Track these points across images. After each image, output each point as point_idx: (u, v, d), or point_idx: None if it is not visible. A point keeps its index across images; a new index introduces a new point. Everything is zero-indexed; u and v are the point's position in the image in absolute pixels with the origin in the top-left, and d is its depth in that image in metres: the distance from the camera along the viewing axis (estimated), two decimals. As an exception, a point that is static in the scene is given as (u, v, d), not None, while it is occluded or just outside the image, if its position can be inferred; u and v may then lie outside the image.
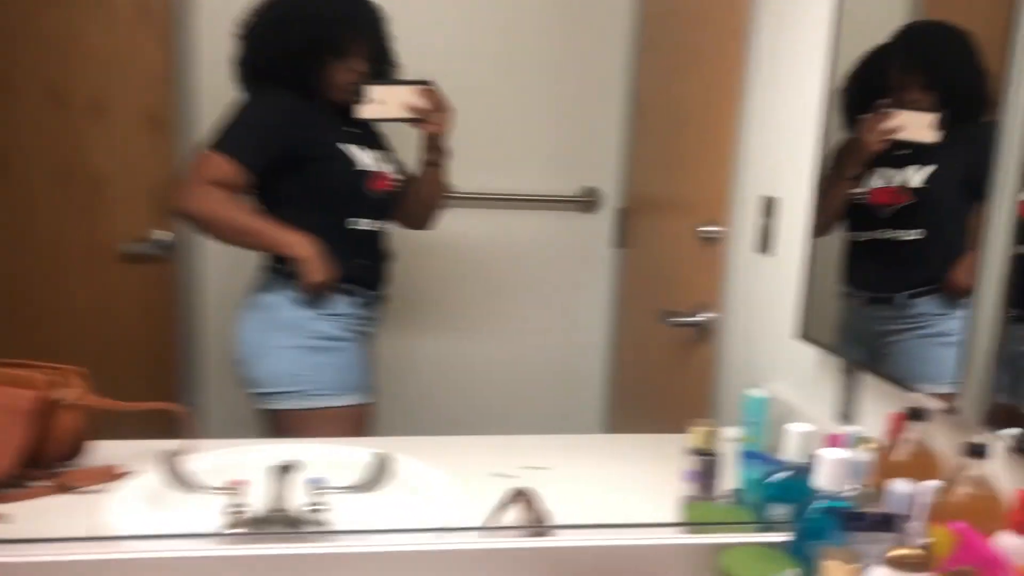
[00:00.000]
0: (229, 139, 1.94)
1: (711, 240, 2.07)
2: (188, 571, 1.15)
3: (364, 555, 1.17)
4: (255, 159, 1.94)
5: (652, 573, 1.21)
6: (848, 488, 1.14)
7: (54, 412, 1.46)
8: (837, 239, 1.57)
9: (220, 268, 2.51)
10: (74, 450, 1.50)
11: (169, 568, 1.15)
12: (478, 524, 1.34)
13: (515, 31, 2.62)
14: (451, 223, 2.65)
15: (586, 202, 2.73)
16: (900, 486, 1.14)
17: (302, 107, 1.97)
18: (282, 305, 1.98)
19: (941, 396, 1.27)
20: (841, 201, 1.49)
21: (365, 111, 1.90)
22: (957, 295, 1.23)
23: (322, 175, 1.97)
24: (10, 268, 2.47)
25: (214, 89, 2.43)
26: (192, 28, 2.44)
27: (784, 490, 1.23)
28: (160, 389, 2.59)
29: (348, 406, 2.02)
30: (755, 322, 1.92)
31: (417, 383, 2.74)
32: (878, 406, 1.49)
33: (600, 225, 2.75)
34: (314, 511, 1.28)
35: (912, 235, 1.31)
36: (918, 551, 1.06)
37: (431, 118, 1.95)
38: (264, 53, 1.99)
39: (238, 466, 1.48)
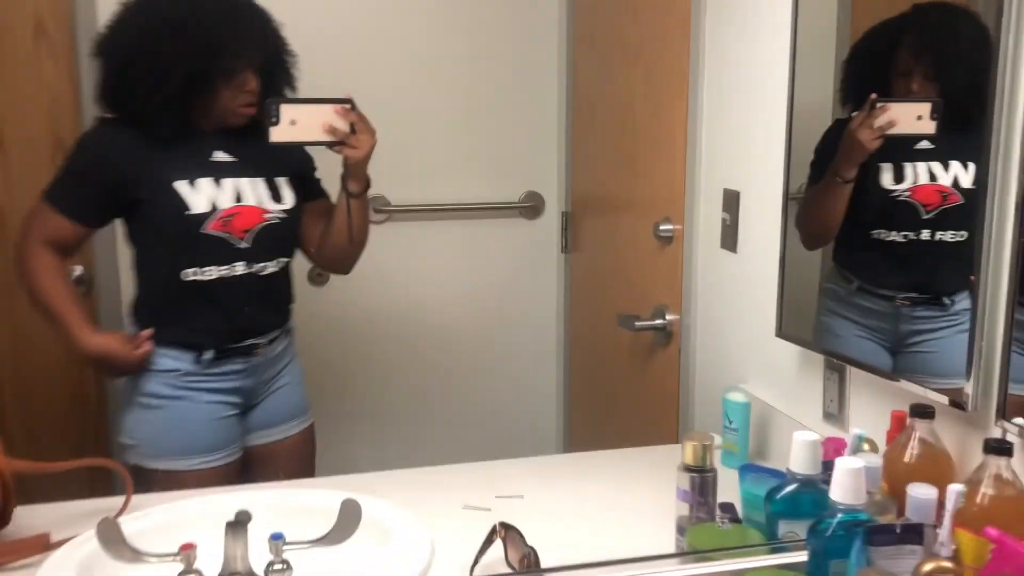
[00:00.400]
0: (57, 189, 1.76)
1: (668, 239, 1.99)
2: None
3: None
4: (84, 211, 1.76)
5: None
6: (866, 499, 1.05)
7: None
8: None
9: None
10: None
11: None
12: (462, 569, 1.22)
13: (443, 37, 2.51)
14: (388, 237, 2.53)
15: (529, 208, 2.63)
16: (921, 491, 1.06)
17: (134, 143, 1.71)
18: None
19: (950, 390, 1.20)
20: (842, 207, 1.40)
21: (275, 134, 1.64)
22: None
23: (151, 220, 1.74)
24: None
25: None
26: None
27: (793, 505, 1.14)
28: (84, 436, 2.39)
29: (184, 471, 1.77)
30: (722, 322, 1.83)
31: (360, 405, 2.60)
32: (870, 405, 1.41)
33: (546, 231, 2.65)
34: (279, 571, 1.14)
35: (959, 236, 1.22)
36: (949, 563, 0.98)
37: (350, 141, 1.70)
38: (115, 80, 1.72)
39: (186, 523, 1.34)
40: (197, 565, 1.12)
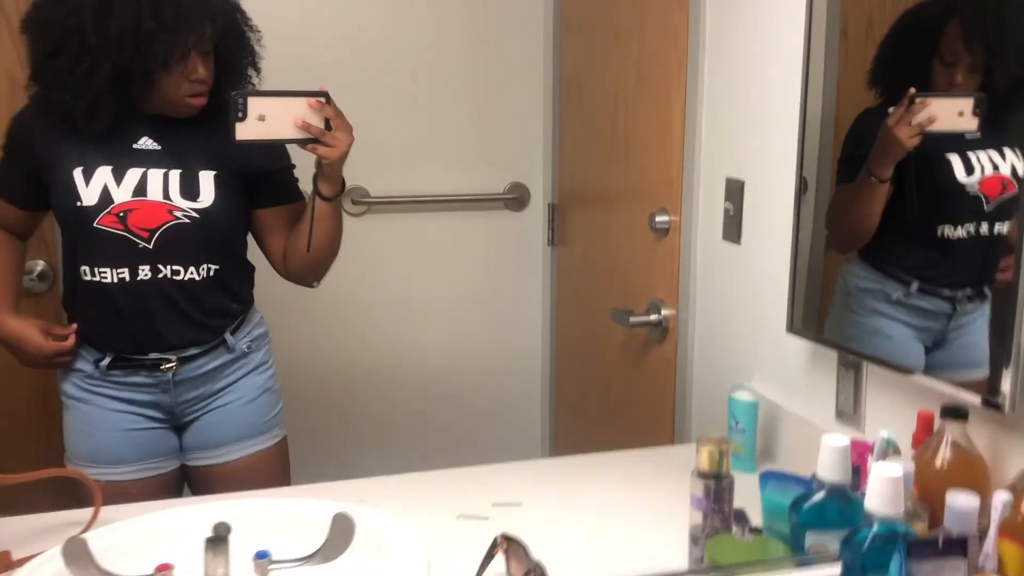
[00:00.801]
0: None
1: (664, 231, 1.91)
2: None
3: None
4: (16, 194, 1.68)
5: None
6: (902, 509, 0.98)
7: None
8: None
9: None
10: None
11: None
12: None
13: (424, 22, 2.40)
14: (370, 229, 2.43)
15: (513, 199, 2.54)
16: (962, 500, 0.99)
17: (57, 125, 1.58)
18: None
19: (980, 384, 1.13)
20: (879, 207, 1.30)
21: (241, 131, 1.48)
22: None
23: (55, 209, 1.64)
24: None
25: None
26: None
27: (821, 515, 1.06)
28: (50, 444, 2.26)
29: (99, 480, 1.61)
30: (724, 317, 1.76)
31: (336, 405, 2.50)
32: (889, 404, 1.34)
33: (531, 223, 2.56)
34: (264, 594, 1.04)
35: (1008, 226, 1.14)
36: (997, 577, 0.91)
37: (325, 138, 1.53)
38: (41, 63, 1.57)
39: (158, 538, 1.23)
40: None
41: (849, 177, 1.37)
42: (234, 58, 1.64)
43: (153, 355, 1.65)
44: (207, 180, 1.62)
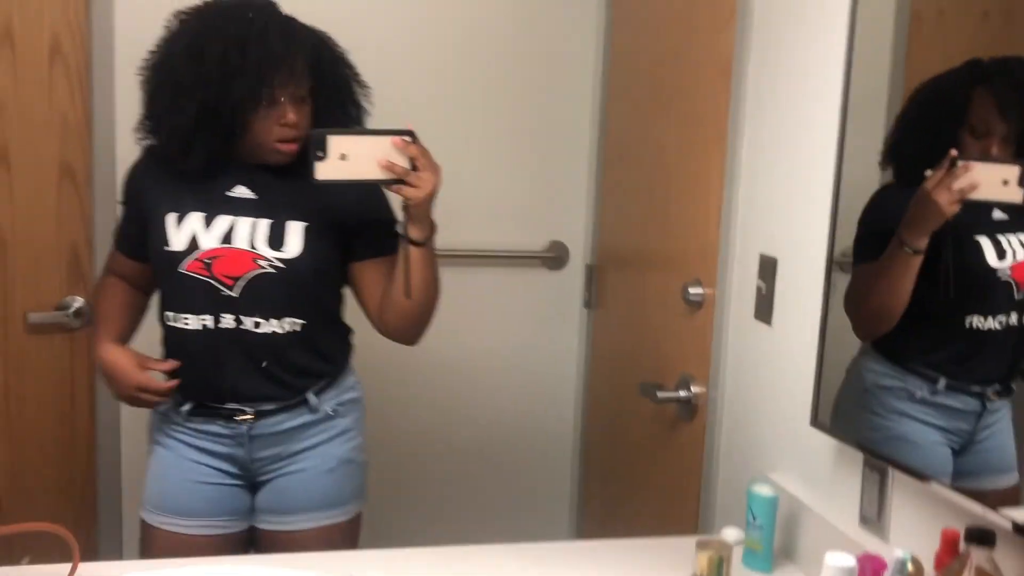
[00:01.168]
0: (118, 223, 1.74)
1: (698, 303, 1.82)
2: None
3: None
4: (131, 246, 1.70)
5: None
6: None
7: None
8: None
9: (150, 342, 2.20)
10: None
11: None
12: None
13: (472, 78, 2.37)
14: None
15: (552, 258, 2.48)
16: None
17: (162, 172, 1.61)
18: None
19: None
20: (910, 283, 1.19)
21: (321, 171, 1.42)
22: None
23: (149, 254, 1.63)
24: None
25: (133, 139, 2.17)
26: (107, 74, 2.16)
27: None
28: (72, 478, 2.27)
29: (155, 527, 1.64)
30: (752, 401, 1.66)
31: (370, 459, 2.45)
32: (916, 514, 1.23)
33: (569, 283, 2.50)
34: None
35: None
36: None
37: (410, 178, 1.46)
38: (145, 107, 1.61)
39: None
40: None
41: (872, 255, 1.27)
42: (331, 108, 1.60)
43: (230, 405, 1.61)
44: (295, 231, 1.58)
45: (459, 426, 2.49)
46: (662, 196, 2.00)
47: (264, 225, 1.57)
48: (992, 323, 1.13)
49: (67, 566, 1.27)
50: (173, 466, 1.65)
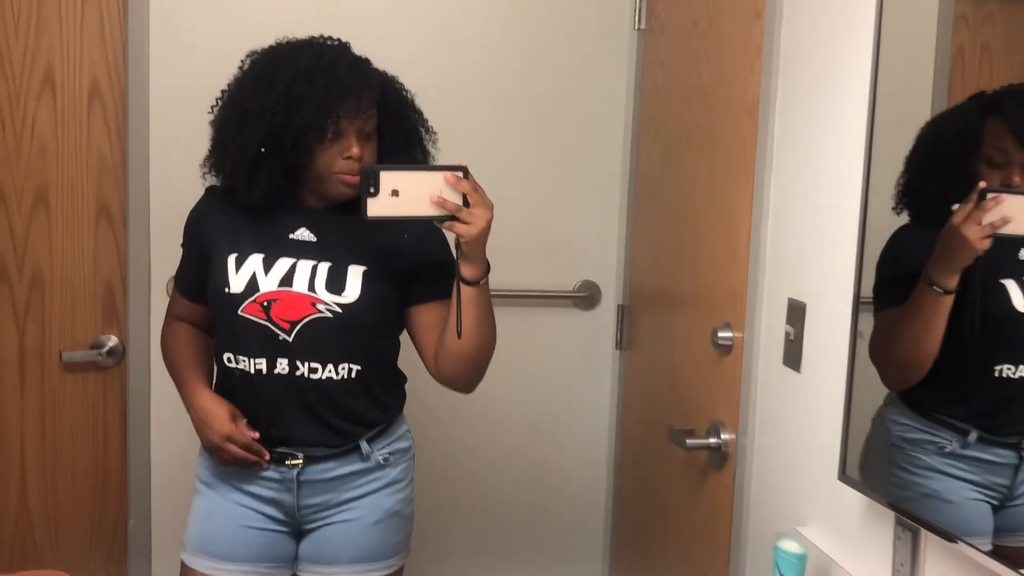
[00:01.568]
0: (180, 266, 1.74)
1: (727, 348, 1.77)
2: None
3: None
4: (193, 289, 1.69)
5: None
6: None
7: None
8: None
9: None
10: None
11: None
12: None
13: (503, 117, 2.36)
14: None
15: (583, 298, 2.44)
16: None
17: (222, 213, 1.62)
18: None
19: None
20: (942, 325, 1.13)
21: (373, 207, 1.40)
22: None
23: (208, 296, 1.63)
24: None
25: (166, 180, 2.21)
26: (142, 116, 2.19)
27: None
28: (103, 515, 2.28)
29: (194, 570, 1.63)
30: (782, 450, 1.60)
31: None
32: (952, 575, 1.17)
33: (600, 324, 2.46)
34: None
35: None
36: None
37: (462, 215, 1.43)
38: (212, 140, 1.62)
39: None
40: None
41: (895, 299, 1.21)
42: (396, 148, 1.60)
43: (281, 449, 1.59)
44: (355, 275, 1.56)
45: (489, 469, 2.45)
46: (691, 237, 1.96)
47: (324, 268, 1.56)
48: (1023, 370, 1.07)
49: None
50: (218, 508, 1.63)
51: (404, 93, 1.64)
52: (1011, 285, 1.07)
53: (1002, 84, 1.12)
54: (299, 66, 1.51)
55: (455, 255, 1.50)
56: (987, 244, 1.08)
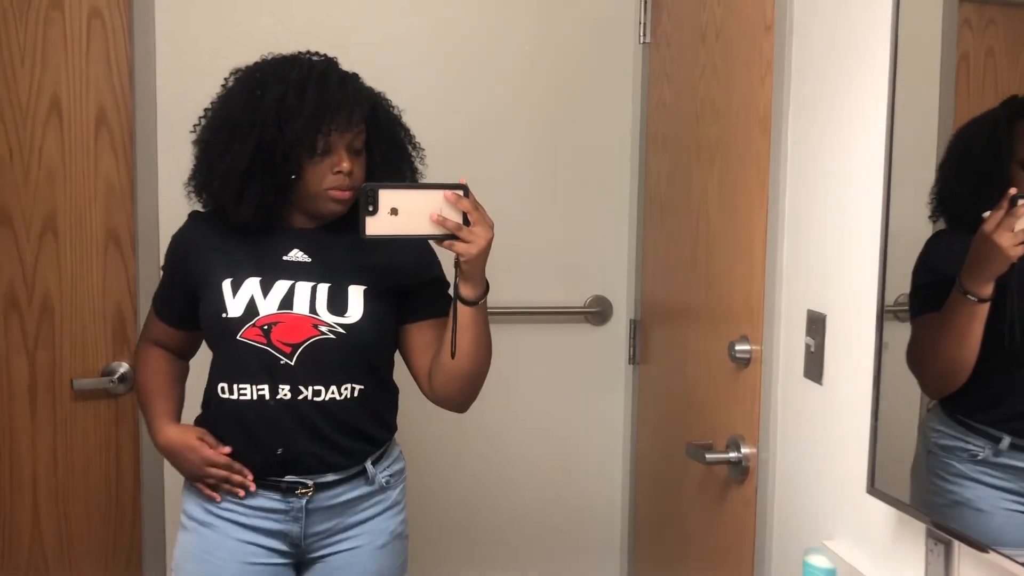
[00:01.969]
0: (158, 290, 1.72)
1: (744, 361, 1.76)
2: None
3: None
4: (170, 314, 1.68)
5: None
6: None
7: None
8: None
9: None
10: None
11: None
12: None
13: (514, 134, 2.36)
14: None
15: (595, 313, 2.43)
16: None
17: (208, 237, 1.59)
18: None
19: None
20: (979, 333, 1.12)
21: (371, 226, 1.38)
22: None
23: (202, 323, 1.59)
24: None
25: (175, 205, 2.18)
26: (150, 142, 2.18)
27: None
28: (117, 543, 2.26)
29: None
30: (806, 464, 1.59)
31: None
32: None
33: (613, 339, 2.44)
34: None
35: None
36: None
37: (463, 234, 1.41)
38: (196, 160, 1.59)
39: None
40: None
41: (932, 306, 1.20)
42: (386, 165, 1.58)
43: (290, 478, 1.56)
44: (356, 295, 1.54)
45: (503, 488, 2.43)
46: (704, 250, 1.95)
47: (324, 289, 1.54)
48: None
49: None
50: (219, 547, 1.57)
51: (392, 110, 1.63)
52: None
53: (1007, 88, 1.12)
54: (289, 80, 1.50)
55: (454, 274, 1.48)
56: (1021, 251, 1.07)
